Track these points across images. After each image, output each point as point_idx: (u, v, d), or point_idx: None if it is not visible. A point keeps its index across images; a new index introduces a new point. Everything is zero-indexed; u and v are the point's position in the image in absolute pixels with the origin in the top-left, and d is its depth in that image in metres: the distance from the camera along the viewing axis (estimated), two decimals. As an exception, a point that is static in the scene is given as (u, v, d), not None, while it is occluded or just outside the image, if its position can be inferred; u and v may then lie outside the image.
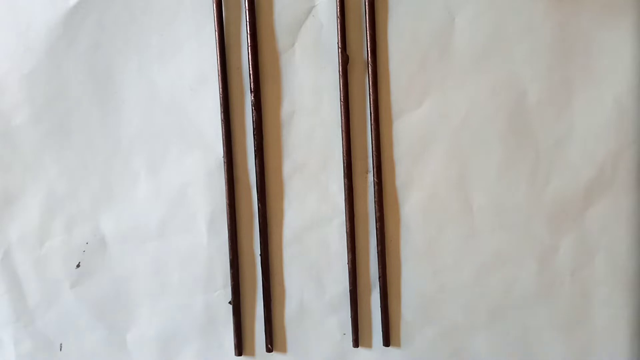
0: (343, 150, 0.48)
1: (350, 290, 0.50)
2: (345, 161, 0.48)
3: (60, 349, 0.52)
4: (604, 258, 0.50)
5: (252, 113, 0.48)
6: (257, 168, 0.49)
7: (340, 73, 0.47)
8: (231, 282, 0.50)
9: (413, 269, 0.50)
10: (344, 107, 0.48)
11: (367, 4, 0.47)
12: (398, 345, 0.51)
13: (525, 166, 0.49)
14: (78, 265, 0.51)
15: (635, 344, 0.51)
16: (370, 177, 0.49)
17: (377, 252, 0.50)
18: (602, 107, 0.48)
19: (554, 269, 0.50)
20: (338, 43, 0.47)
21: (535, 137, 0.49)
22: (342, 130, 0.48)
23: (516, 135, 0.49)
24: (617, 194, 0.49)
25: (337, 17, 0.47)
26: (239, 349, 0.51)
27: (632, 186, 0.49)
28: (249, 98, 0.48)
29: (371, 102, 0.48)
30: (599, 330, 0.51)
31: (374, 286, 0.51)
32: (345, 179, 0.49)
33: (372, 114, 0.48)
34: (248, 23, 0.47)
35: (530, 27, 0.47)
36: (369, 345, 0.51)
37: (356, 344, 0.51)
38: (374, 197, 0.49)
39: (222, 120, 0.48)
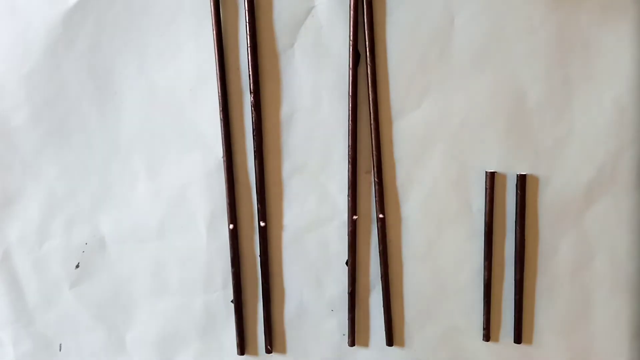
0: (348, 149, 0.48)
1: (349, 291, 0.50)
2: (350, 160, 0.48)
3: (60, 350, 0.52)
4: (604, 258, 0.50)
5: (252, 113, 0.48)
6: (257, 168, 0.49)
7: (350, 70, 0.47)
8: (232, 281, 0.50)
9: (413, 269, 0.50)
10: (352, 105, 0.47)
11: (365, 3, 0.47)
12: (402, 345, 0.51)
13: (525, 166, 0.49)
14: (77, 266, 0.51)
15: (635, 344, 0.51)
16: (372, 177, 0.49)
17: (379, 252, 0.50)
18: (602, 107, 0.48)
19: (554, 269, 0.50)
20: (350, 39, 0.47)
21: (535, 137, 0.49)
22: (348, 129, 0.48)
23: (516, 135, 0.49)
24: (617, 194, 0.49)
25: (350, 12, 0.46)
26: (242, 349, 0.51)
27: (632, 186, 0.49)
28: (248, 98, 0.48)
29: (370, 102, 0.48)
30: (599, 330, 0.51)
31: (373, 286, 0.51)
32: (350, 176, 0.48)
33: (372, 114, 0.48)
34: (247, 23, 0.47)
35: (530, 27, 0.47)
36: (369, 345, 0.51)
37: (352, 343, 0.51)
38: (375, 197, 0.49)
39: (221, 121, 0.48)
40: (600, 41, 0.47)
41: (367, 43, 0.47)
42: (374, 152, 0.48)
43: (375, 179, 0.49)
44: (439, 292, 0.50)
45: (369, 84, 0.48)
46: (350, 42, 0.47)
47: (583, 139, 0.49)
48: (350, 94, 0.47)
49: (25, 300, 0.51)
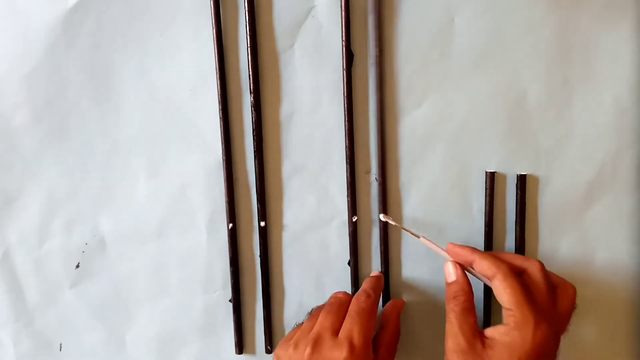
0: (346, 149, 0.48)
1: (351, 292, 0.50)
2: (348, 160, 0.48)
3: (60, 349, 0.52)
4: (604, 258, 0.50)
5: (252, 113, 0.48)
6: (257, 168, 0.49)
7: (344, 71, 0.47)
8: (231, 280, 0.50)
9: (413, 269, 0.50)
10: (347, 105, 0.47)
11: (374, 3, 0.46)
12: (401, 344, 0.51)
13: (525, 166, 0.49)
14: (77, 266, 0.51)
15: (636, 345, 0.51)
16: (372, 177, 0.49)
17: (380, 252, 0.50)
18: (602, 107, 0.48)
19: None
20: (342, 40, 0.47)
21: (535, 137, 0.49)
22: (345, 129, 0.48)
23: (516, 135, 0.49)
24: (617, 194, 0.49)
25: (342, 11, 0.46)
26: (240, 348, 0.51)
27: (632, 186, 0.49)
28: (248, 99, 0.48)
29: (377, 102, 0.48)
30: (599, 331, 0.51)
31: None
32: (349, 176, 0.48)
33: (378, 114, 0.48)
34: (247, 24, 0.47)
35: (530, 27, 0.47)
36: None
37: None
38: (378, 197, 0.49)
39: (221, 121, 0.48)
40: (600, 41, 0.47)
41: (375, 42, 0.47)
42: (377, 152, 0.48)
43: (378, 179, 0.49)
44: (439, 292, 0.50)
45: (376, 83, 0.47)
46: (343, 42, 0.47)
47: (583, 139, 0.49)
48: (345, 94, 0.47)
49: (25, 300, 0.51)
